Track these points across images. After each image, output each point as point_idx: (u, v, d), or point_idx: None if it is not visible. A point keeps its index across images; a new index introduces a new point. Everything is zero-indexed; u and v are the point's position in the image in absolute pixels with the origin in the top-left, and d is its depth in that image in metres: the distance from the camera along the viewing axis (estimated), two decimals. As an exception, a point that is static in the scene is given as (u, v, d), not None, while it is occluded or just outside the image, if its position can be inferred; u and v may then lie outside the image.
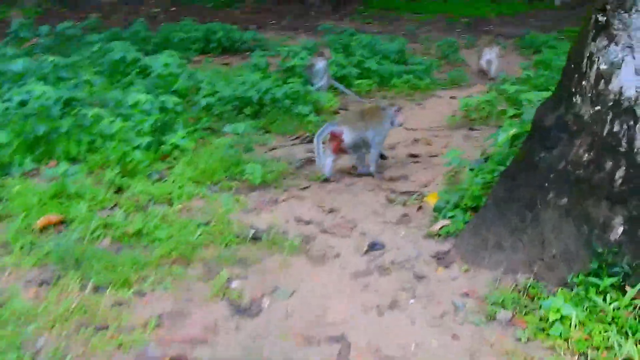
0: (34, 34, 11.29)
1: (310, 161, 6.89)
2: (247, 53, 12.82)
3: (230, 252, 4.89)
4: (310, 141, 7.49)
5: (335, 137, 6.39)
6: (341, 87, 9.59)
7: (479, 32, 16.31)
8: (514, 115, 7.23)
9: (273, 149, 7.29)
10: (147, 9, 18.08)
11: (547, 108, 4.54)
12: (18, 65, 7.60)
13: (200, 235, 5.05)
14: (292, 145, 7.45)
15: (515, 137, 5.73)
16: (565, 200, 4.28)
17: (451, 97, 10.09)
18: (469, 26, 17.29)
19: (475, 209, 5.47)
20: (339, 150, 6.45)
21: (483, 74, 11.73)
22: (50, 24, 12.52)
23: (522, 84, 9.94)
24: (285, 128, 7.90)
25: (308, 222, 5.48)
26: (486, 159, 6.30)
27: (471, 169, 6.24)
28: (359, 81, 9.92)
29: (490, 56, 11.69)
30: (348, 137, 6.36)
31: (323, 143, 6.37)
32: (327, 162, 6.42)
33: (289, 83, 9.25)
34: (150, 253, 4.79)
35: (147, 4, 18.82)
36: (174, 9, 18.22)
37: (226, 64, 11.85)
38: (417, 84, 10.23)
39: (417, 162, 7.07)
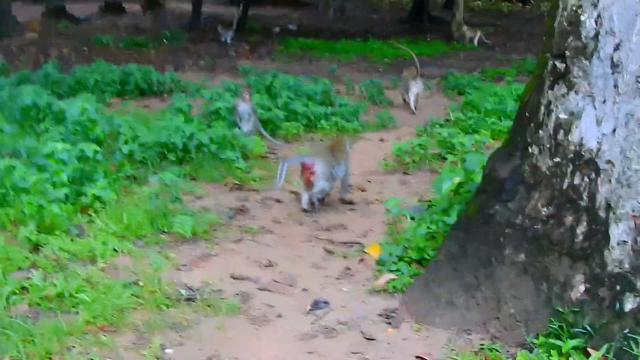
0: None
1: (241, 211, 6.53)
2: (166, 95, 12.41)
3: (163, 316, 4.46)
4: (239, 189, 7.15)
5: (306, 168, 6.40)
6: (265, 133, 9.26)
7: (400, 72, 16.30)
8: (451, 161, 7.03)
9: (200, 197, 6.88)
10: (58, 50, 17.41)
11: (500, 158, 4.33)
12: None
13: (128, 297, 4.61)
14: (221, 194, 7.06)
15: (459, 186, 5.52)
16: (522, 256, 4.05)
17: (380, 140, 9.91)
18: (391, 66, 17.29)
19: (420, 262, 5.22)
20: (309, 182, 6.45)
21: (406, 104, 12.27)
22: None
23: (453, 126, 9.85)
24: (212, 175, 7.51)
25: (244, 279, 5.10)
26: (428, 207, 6.07)
27: (412, 218, 6.00)
28: (287, 123, 9.62)
29: (417, 89, 12.24)
30: (320, 168, 6.40)
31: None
32: (304, 197, 6.59)
33: (214, 127, 8.90)
34: (73, 319, 4.31)
35: (56, 45, 18.14)
36: (85, 49, 17.60)
37: (145, 107, 11.38)
38: (345, 127, 10.00)
39: (352, 209, 6.79)
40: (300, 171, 6.51)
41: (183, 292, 4.78)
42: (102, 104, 10.66)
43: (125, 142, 8.00)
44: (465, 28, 22.45)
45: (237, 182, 7.32)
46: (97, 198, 6.22)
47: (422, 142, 8.41)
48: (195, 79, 13.84)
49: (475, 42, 21.98)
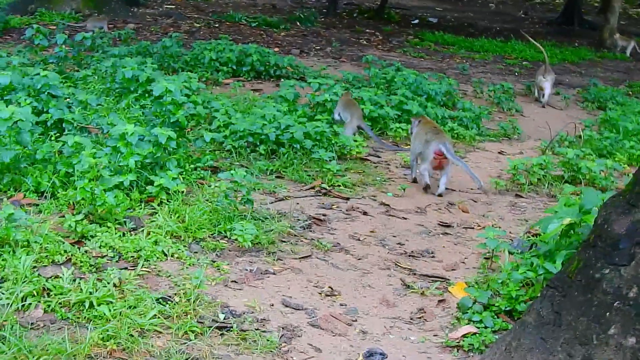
0: (51, 42, 10.39)
1: (320, 221, 5.81)
2: (283, 80, 11.81)
3: (186, 346, 3.80)
4: (325, 194, 6.42)
5: (438, 155, 6.75)
6: (369, 131, 8.44)
7: (537, 78, 15.09)
8: (572, 192, 6.02)
9: (280, 200, 6.20)
10: (191, 23, 17.23)
11: (616, 208, 3.39)
12: (4, 78, 6.65)
13: (155, 316, 3.98)
14: (304, 197, 6.36)
15: (569, 226, 4.56)
16: (633, 341, 3.11)
17: (499, 152, 8.93)
18: (529, 70, 16.06)
19: (510, 314, 4.34)
20: (440, 167, 6.90)
21: (536, 100, 12.44)
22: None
23: (582, 146, 8.74)
24: (300, 175, 6.82)
25: (297, 308, 4.37)
26: (532, 246, 5.14)
27: (511, 253, 5.09)
28: (397, 125, 8.79)
29: (543, 83, 12.23)
30: (449, 153, 6.78)
31: None
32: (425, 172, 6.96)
33: (315, 121, 8.21)
34: (83, 337, 3.72)
35: (190, 17, 17.99)
36: (217, 25, 17.33)
37: (257, 90, 10.85)
38: (462, 133, 9.07)
39: (447, 233, 5.92)
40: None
41: (221, 316, 4.10)
42: (205, 83, 10.23)
43: (215, 129, 7.46)
44: (618, 36, 20.71)
45: (325, 186, 6.59)
46: (163, 189, 5.66)
47: (542, 161, 7.39)
48: (317, 66, 13.20)
49: (628, 52, 20.24)
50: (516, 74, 15.55)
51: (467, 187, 7.22)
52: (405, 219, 6.12)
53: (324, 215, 5.96)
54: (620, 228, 3.29)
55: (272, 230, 5.36)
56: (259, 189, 6.32)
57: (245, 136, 7.34)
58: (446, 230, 5.97)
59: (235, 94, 10.04)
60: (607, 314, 3.21)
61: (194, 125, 8.06)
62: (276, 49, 14.67)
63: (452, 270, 5.17)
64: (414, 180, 7.16)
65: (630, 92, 14.15)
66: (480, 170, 7.90)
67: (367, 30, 19.69)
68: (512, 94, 11.95)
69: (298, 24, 19.29)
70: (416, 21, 23.18)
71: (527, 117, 11.39)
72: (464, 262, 5.32)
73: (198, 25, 16.95)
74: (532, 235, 5.80)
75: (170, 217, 5.32)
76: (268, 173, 6.84)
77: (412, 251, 5.44)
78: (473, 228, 6.08)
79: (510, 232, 5.99)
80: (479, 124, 9.79)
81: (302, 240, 5.38)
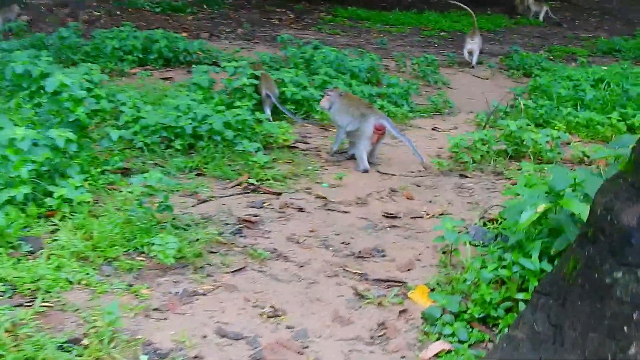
0: None
1: (251, 223, 5.08)
2: (194, 66, 10.94)
3: (101, 406, 3.03)
4: (255, 190, 5.69)
5: (378, 130, 6.50)
6: (285, 110, 7.75)
7: (459, 47, 14.62)
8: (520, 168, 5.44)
9: (204, 201, 5.45)
10: (89, 12, 16.09)
11: (619, 194, 2.78)
12: None
13: (58, 368, 3.19)
14: (231, 196, 5.61)
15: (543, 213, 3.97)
16: (663, 361, 2.51)
17: (433, 129, 8.35)
18: (448, 41, 15.60)
19: (484, 322, 3.71)
20: (377, 141, 6.68)
21: (466, 64, 12.57)
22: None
23: (520, 115, 8.23)
24: (224, 170, 6.07)
25: (236, 338, 3.65)
26: (496, 236, 4.54)
27: (473, 244, 4.49)
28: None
29: (471, 46, 12.54)
30: (392, 127, 6.57)
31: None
32: (363, 156, 6.54)
33: (235, 108, 7.45)
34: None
35: (90, 6, 16.82)
36: (118, 12, 16.24)
37: (167, 79, 9.99)
38: (392, 111, 8.44)
39: (394, 226, 5.28)
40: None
41: (144, 358, 3.34)
42: (109, 75, 9.33)
43: (123, 125, 6.62)
44: (530, 1, 20.48)
45: (253, 182, 5.86)
46: (65, 201, 4.82)
47: (484, 137, 6.82)
48: (230, 49, 12.37)
49: (541, 17, 20.03)
50: (435, 45, 15.06)
51: (406, 170, 6.60)
52: (347, 212, 5.45)
53: (256, 215, 5.23)
54: (630, 219, 2.69)
55: (198, 239, 4.61)
56: (178, 191, 5.55)
57: (158, 131, 6.53)
58: (393, 223, 5.33)
59: (144, 85, 9.17)
60: (625, 328, 2.60)
61: (98, 122, 7.17)
62: (184, 34, 13.75)
63: (408, 270, 4.53)
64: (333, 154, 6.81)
65: (552, 57, 13.81)
66: (418, 149, 7.29)
67: (278, 10, 18.90)
68: (437, 65, 11.40)
69: (205, 6, 18.32)
70: (327, -3, 22.49)
71: (455, 89, 10.88)
72: (419, 260, 4.69)
73: (98, 13, 15.85)
74: (489, 221, 5.21)
75: (75, 234, 4.50)
76: (187, 171, 6.06)
77: (359, 251, 4.77)
78: (422, 217, 5.45)
79: (463, 219, 5.39)
80: (409, 100, 9.19)
81: (233, 249, 4.64)
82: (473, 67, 12.43)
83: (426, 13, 19.03)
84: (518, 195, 4.71)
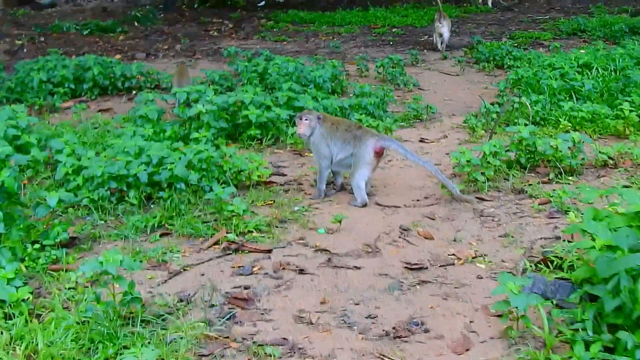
0: None
1: (244, 301, 3.92)
2: (134, 92, 9.73)
3: None
4: (237, 250, 4.54)
5: (378, 153, 5.46)
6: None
7: (417, 43, 13.64)
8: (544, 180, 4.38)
9: (177, 273, 4.27)
10: (10, 41, 14.63)
11: None
12: None
13: None
14: (209, 261, 4.44)
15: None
16: None
17: (421, 140, 7.29)
18: (403, 37, 14.60)
19: None
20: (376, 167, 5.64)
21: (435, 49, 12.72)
22: None
23: (515, 115, 7.24)
24: (194, 226, 4.89)
25: None
26: (575, 284, 3.50)
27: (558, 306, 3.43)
28: (293, 129, 6.92)
29: (441, 29, 12.56)
30: (400, 148, 5.54)
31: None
32: (360, 188, 5.44)
33: (193, 141, 6.29)
34: None
35: (9, 35, 15.35)
36: (42, 39, 14.82)
37: (106, 111, 8.76)
38: (372, 124, 7.33)
39: (424, 281, 4.17)
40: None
41: None
42: (38, 113, 8.13)
43: (65, 177, 5.43)
44: (475, -12, 19.77)
45: (234, 238, 4.70)
46: (-7, 302, 3.62)
47: (495, 148, 5.77)
48: (171, 68, 11.14)
49: (489, 3, 19.29)
50: (391, 42, 14.03)
51: (410, 198, 5.53)
52: (358, 268, 4.33)
53: (247, 287, 4.07)
54: None
55: (181, 339, 3.43)
56: (141, 262, 4.36)
57: (106, 182, 5.33)
58: (420, 277, 4.22)
59: (80, 121, 7.92)
60: None
61: (30, 176, 5.96)
62: (118, 57, 12.48)
63: (466, 351, 3.42)
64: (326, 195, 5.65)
65: (516, 44, 12.89)
66: (413, 169, 6.22)
67: (215, 20, 17.72)
68: (403, 66, 10.35)
69: (136, 24, 17.05)
70: (262, 3, 21.36)
71: (427, 89, 9.85)
72: (473, 331, 3.59)
73: (20, 42, 14.40)
74: (540, 262, 4.16)
75: (15, 350, 3.30)
76: (148, 231, 4.88)
77: (393, 328, 3.65)
78: (453, 264, 4.36)
79: (502, 261, 4.34)
80: (385, 109, 8.12)
81: (230, 347, 3.47)
82: (440, 51, 12.57)
83: (372, 10, 18.08)
84: (586, 232, 3.64)
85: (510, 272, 4.12)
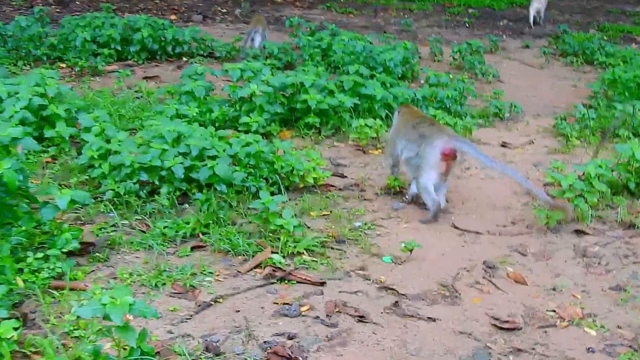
0: None
1: (287, 359, 3.05)
2: (186, 59, 8.91)
3: None
4: (283, 279, 3.67)
5: (447, 156, 4.55)
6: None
7: (495, 27, 12.54)
8: None
9: (207, 306, 3.41)
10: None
11: None
12: None
13: None
14: (247, 291, 3.57)
15: None
16: None
17: (503, 145, 6.32)
18: (479, 20, 13.48)
19: None
20: (448, 171, 4.65)
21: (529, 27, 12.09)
22: None
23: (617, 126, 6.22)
24: (233, 240, 4.02)
25: None
26: None
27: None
28: (361, 121, 5.96)
29: (538, 4, 12.19)
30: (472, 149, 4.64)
31: None
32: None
33: (243, 127, 5.46)
34: None
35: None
36: (96, -8, 14.07)
37: (152, 78, 7.93)
38: (448, 123, 6.35)
39: (519, 350, 3.24)
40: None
41: None
42: (79, 74, 7.36)
43: (90, 160, 4.62)
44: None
45: (280, 262, 3.83)
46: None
47: (601, 169, 4.78)
48: (227, 36, 10.28)
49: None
50: (467, 25, 12.94)
51: (493, 221, 4.59)
52: (433, 320, 3.42)
53: (292, 337, 3.20)
54: None
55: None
56: (164, 285, 3.52)
57: (136, 173, 4.50)
58: (513, 341, 3.29)
59: (121, 88, 7.11)
60: None
61: (54, 154, 5.17)
62: (173, 17, 11.68)
63: None
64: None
65: (606, 37, 11.72)
66: (496, 183, 5.28)
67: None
68: (482, 54, 9.33)
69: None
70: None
71: (506, 82, 8.84)
72: None
73: (72, -6, 13.63)
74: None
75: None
76: (178, 242, 4.03)
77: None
78: (555, 325, 3.42)
79: (618, 328, 3.39)
80: (463, 104, 7.14)
81: None
82: (531, 27, 12.15)
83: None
84: None
85: (631, 348, 3.18)
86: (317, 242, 4.05)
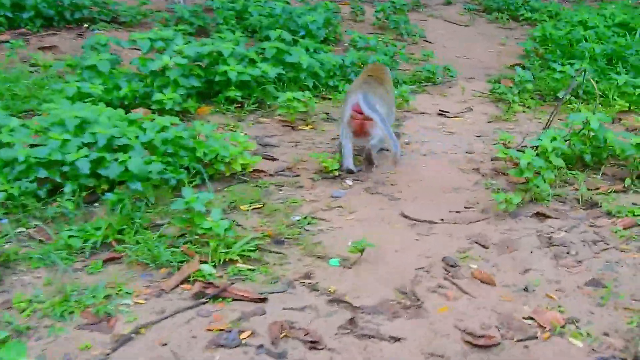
0: None
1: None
2: (86, 26, 8.08)
3: None
4: (216, 297, 3.09)
5: (357, 113, 4.43)
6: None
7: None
8: None
9: (126, 340, 2.81)
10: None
11: None
12: None
13: None
14: (175, 315, 2.98)
15: None
16: None
17: (440, 114, 5.86)
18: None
19: None
20: (362, 131, 4.49)
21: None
22: None
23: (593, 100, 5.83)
24: (154, 248, 3.40)
25: None
26: None
27: None
28: (286, 94, 5.37)
29: None
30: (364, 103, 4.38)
31: None
32: (346, 149, 4.54)
33: (157, 106, 4.82)
34: None
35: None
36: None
37: (50, 49, 7.11)
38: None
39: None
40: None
41: None
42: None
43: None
44: None
45: (210, 273, 3.25)
46: None
47: (557, 142, 4.35)
48: (133, -2, 9.44)
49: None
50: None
51: (444, 206, 4.12)
52: (397, 339, 2.91)
53: (233, 375, 2.65)
54: None
55: None
56: (69, 313, 2.91)
57: (32, 169, 3.81)
58: (487, 351, 2.83)
59: (14, 63, 6.31)
60: None
61: None
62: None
63: None
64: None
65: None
66: (442, 159, 4.81)
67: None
68: (406, 12, 8.83)
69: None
70: None
71: (434, 43, 8.37)
72: None
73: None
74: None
75: None
76: (87, 252, 3.39)
77: None
78: (536, 337, 2.96)
79: (605, 335, 2.97)
80: (395, 69, 6.63)
81: None
82: None
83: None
84: None
85: (625, 362, 2.77)
86: (252, 245, 3.48)
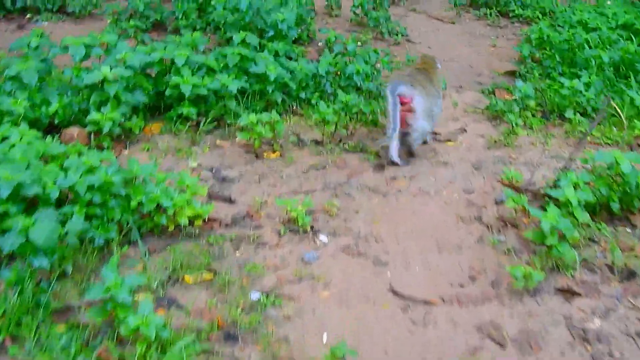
0: None
1: None
2: (29, 16, 7.14)
3: None
4: None
5: (403, 103, 4.24)
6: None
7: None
8: None
9: None
10: None
11: None
12: None
13: None
14: None
15: None
16: None
17: (433, 132, 4.99)
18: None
19: None
20: (404, 122, 4.27)
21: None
22: None
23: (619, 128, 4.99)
24: (60, 352, 2.51)
25: None
26: None
27: None
28: (249, 116, 4.45)
29: None
30: (420, 104, 4.29)
31: None
32: (392, 144, 4.33)
33: (91, 124, 3.92)
34: None
35: None
36: None
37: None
38: (361, 109, 4.94)
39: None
40: None
41: None
42: None
43: None
44: None
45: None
46: None
47: (580, 193, 3.51)
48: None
49: None
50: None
51: (446, 275, 3.27)
52: None
53: None
54: None
55: None
56: None
57: None
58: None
59: None
60: None
61: None
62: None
63: None
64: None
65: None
66: (430, 201, 3.96)
67: None
68: (387, 8, 7.94)
69: None
70: None
71: (417, 42, 7.48)
72: None
73: None
74: None
75: None
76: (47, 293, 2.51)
77: None
78: None
79: None
80: (377, 80, 5.74)
81: None
82: None
83: None
84: None
85: None
86: (195, 349, 2.60)
